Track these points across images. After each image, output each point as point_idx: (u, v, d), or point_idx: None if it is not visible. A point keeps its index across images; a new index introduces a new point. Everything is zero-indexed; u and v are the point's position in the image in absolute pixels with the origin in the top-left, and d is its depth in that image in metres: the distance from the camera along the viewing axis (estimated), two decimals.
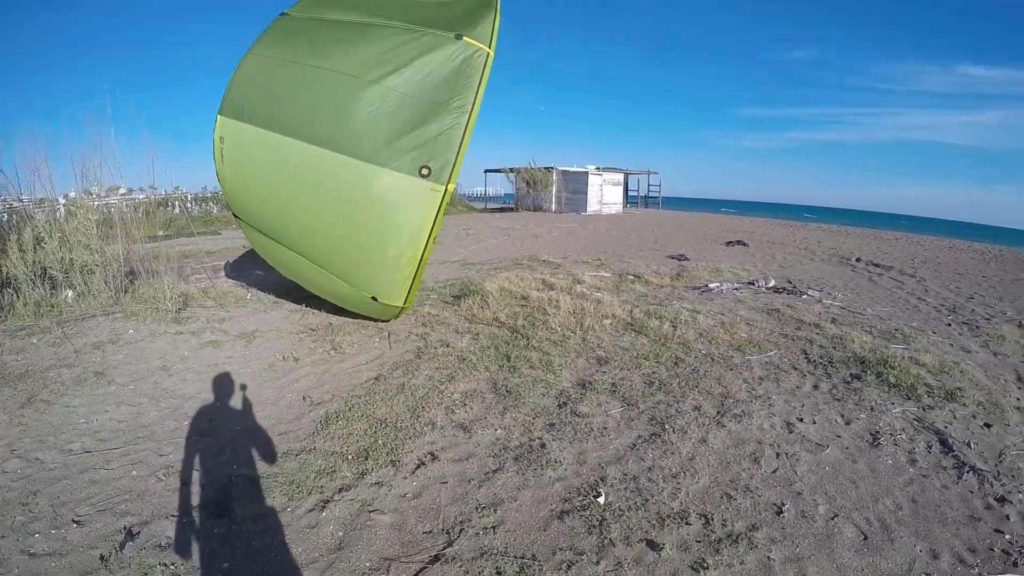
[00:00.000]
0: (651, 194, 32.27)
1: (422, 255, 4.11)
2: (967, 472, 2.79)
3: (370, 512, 2.43)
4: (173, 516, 2.41)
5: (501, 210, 25.72)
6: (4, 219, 5.95)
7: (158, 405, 3.62)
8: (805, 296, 6.64)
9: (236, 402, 3.68)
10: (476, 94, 3.85)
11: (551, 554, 2.14)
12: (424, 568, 2.07)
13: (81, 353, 4.39)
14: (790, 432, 3.17)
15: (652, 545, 2.16)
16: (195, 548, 2.22)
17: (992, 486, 2.68)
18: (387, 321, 5.24)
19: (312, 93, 3.94)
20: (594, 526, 2.29)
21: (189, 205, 18.15)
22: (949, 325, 5.75)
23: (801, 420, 3.33)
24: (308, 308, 5.71)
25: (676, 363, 4.24)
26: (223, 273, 7.59)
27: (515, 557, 2.12)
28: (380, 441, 3.06)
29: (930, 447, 3.03)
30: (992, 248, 16.19)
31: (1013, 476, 2.76)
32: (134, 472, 2.79)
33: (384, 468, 2.79)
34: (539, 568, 2.06)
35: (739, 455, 2.91)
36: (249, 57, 4.19)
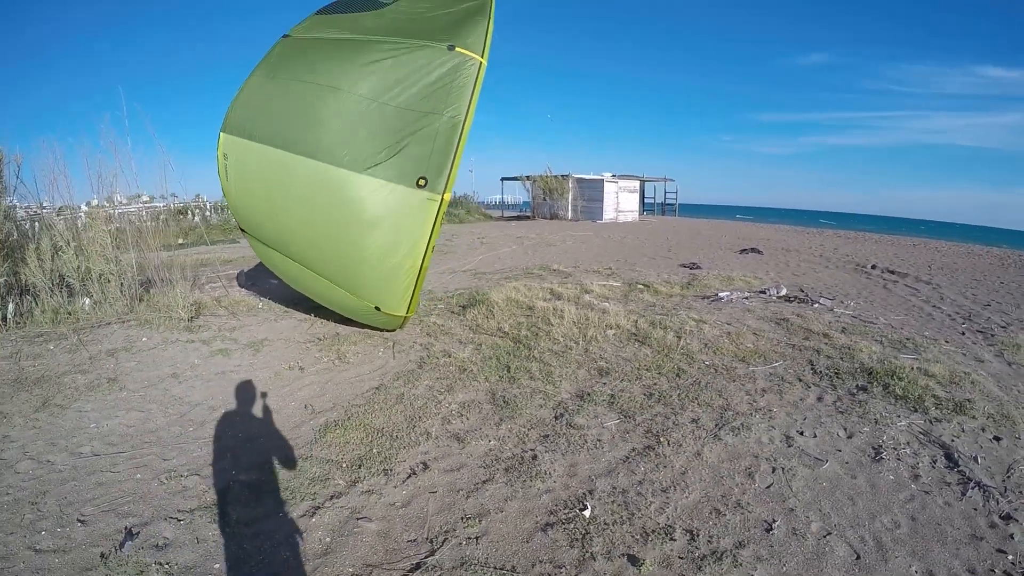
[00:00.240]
0: (668, 201, 32.03)
1: (422, 264, 4.17)
2: (972, 488, 2.70)
3: (358, 519, 2.46)
4: (172, 518, 2.49)
5: (517, 218, 25.79)
6: (26, 227, 6.22)
7: (166, 411, 3.73)
8: (816, 305, 6.52)
9: (241, 410, 3.76)
10: (469, 103, 3.91)
11: (531, 566, 2.14)
12: None
13: (96, 359, 4.55)
14: (789, 446, 3.11)
15: (633, 560, 2.15)
16: (189, 549, 2.30)
17: (998, 503, 2.59)
18: (393, 331, 5.30)
19: (310, 108, 4.05)
20: (576, 539, 2.28)
21: (208, 213, 18.63)
22: (963, 334, 5.58)
23: (801, 433, 3.26)
24: (317, 318, 5.81)
25: (678, 374, 4.20)
26: (236, 282, 7.77)
27: (495, 568, 2.12)
28: (375, 450, 3.10)
29: (935, 462, 2.95)
30: (1012, 253, 15.62)
31: (1021, 492, 2.66)
32: (138, 475, 2.89)
33: (376, 477, 2.83)
34: None
35: (733, 469, 2.87)
36: (252, 77, 4.36)
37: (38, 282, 5.45)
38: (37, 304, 5.41)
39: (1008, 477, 2.80)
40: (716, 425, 3.35)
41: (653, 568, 2.12)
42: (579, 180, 24.22)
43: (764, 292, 7.18)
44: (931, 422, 3.37)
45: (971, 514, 2.51)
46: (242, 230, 4.88)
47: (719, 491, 2.67)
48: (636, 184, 25.86)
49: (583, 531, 2.34)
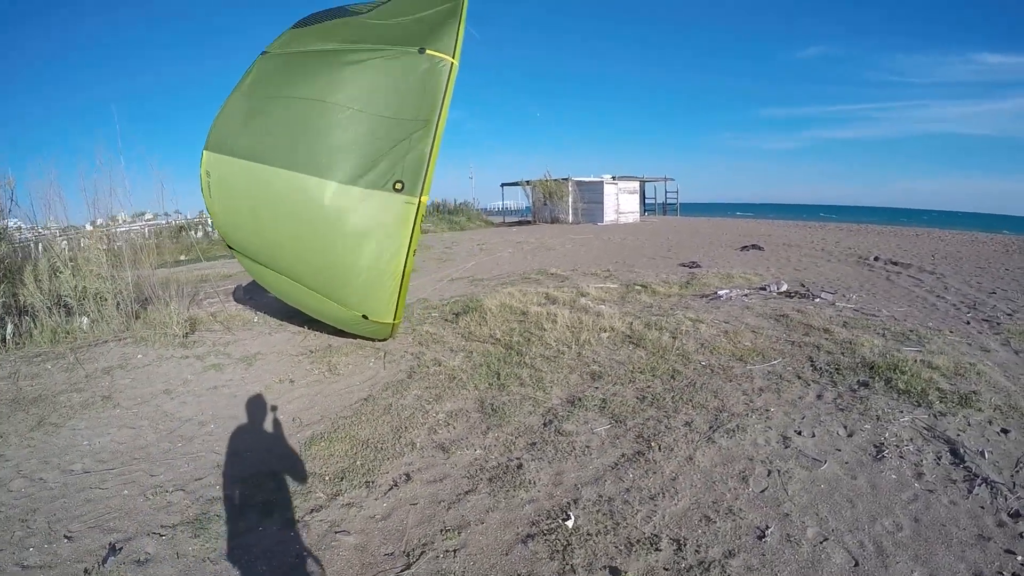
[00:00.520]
0: (668, 201, 31.84)
1: (404, 269, 4.13)
2: (979, 485, 2.58)
3: (336, 533, 2.41)
4: (155, 533, 2.51)
5: (518, 223, 25.75)
6: (29, 247, 6.28)
7: (156, 427, 3.71)
8: (818, 299, 6.38)
9: (229, 424, 3.73)
10: (442, 105, 3.90)
11: None
12: None
13: (91, 378, 4.55)
14: (785, 447, 3.00)
15: (615, 572, 2.06)
16: (169, 564, 2.30)
17: (1006, 500, 2.46)
18: (384, 340, 5.26)
19: (288, 121, 4.06)
20: (557, 551, 2.20)
21: (210, 230, 18.77)
22: (968, 323, 5.41)
23: (799, 433, 3.15)
24: (310, 330, 5.79)
25: (672, 376, 4.10)
26: (233, 297, 7.78)
27: None
28: (359, 462, 3.05)
29: (939, 458, 2.82)
30: (1016, 239, 15.27)
31: None
32: (125, 491, 2.91)
33: (358, 489, 2.77)
34: None
35: (726, 473, 2.77)
36: (232, 95, 4.39)
37: (36, 303, 5.48)
38: (36, 324, 5.45)
39: (1017, 472, 2.67)
40: (710, 427, 3.25)
41: None
42: (579, 183, 24.14)
43: (764, 288, 7.05)
44: (935, 416, 3.24)
45: (978, 513, 2.39)
46: (229, 247, 4.87)
47: (710, 497, 2.57)
48: (636, 185, 25.73)
49: (565, 542, 2.25)
